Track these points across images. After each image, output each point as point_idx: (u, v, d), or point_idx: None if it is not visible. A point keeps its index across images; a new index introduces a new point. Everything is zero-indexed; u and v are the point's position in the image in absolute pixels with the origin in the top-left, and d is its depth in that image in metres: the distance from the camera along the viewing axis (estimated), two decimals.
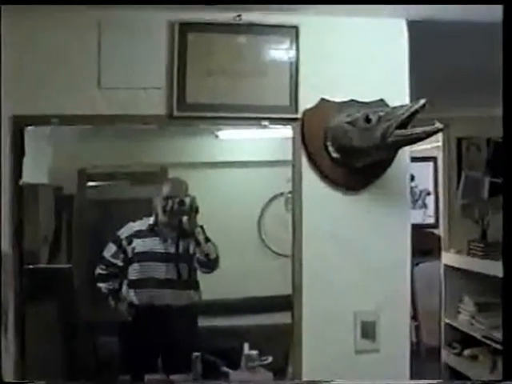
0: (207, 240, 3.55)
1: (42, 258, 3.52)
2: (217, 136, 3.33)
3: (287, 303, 2.90)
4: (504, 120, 2.32)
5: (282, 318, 3.03)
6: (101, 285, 3.54)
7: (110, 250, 3.53)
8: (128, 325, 3.60)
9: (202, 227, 3.53)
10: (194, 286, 3.64)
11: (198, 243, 3.55)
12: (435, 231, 6.64)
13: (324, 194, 2.84)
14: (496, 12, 2.55)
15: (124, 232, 3.56)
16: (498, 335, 5.01)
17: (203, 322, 3.68)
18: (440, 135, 5.67)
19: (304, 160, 2.83)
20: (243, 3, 2.63)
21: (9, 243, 2.77)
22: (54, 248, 3.58)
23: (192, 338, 3.59)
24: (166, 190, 3.59)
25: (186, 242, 3.58)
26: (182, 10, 2.70)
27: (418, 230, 5.47)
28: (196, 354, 3.19)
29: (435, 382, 4.39)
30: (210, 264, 3.58)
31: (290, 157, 2.87)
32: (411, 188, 2.96)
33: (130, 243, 3.56)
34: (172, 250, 3.58)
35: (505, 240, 2.27)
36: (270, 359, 3.09)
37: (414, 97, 2.75)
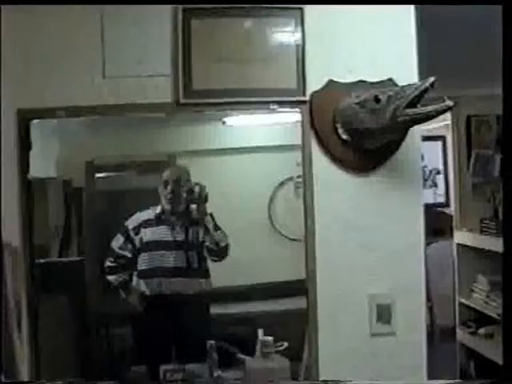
0: (217, 228, 3.53)
1: (53, 251, 3.52)
2: (224, 122, 3.31)
3: (301, 288, 2.87)
4: (504, 120, 2.29)
5: (295, 304, 3.02)
6: (110, 277, 3.54)
7: (117, 241, 3.52)
8: (140, 315, 3.60)
9: (211, 215, 3.52)
10: (204, 274, 3.63)
11: (207, 231, 3.54)
12: (446, 210, 6.62)
13: (335, 177, 2.82)
14: None
15: (131, 222, 3.55)
16: None
17: (216, 310, 3.67)
18: (449, 114, 5.63)
19: (314, 143, 2.80)
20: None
21: (19, 238, 2.74)
22: (65, 241, 3.57)
23: (205, 326, 3.59)
24: (167, 177, 3.58)
25: (195, 230, 3.57)
26: None
27: (429, 210, 5.45)
28: (210, 342, 3.18)
29: (452, 381, 4.39)
30: (220, 252, 3.57)
31: (299, 141, 2.83)
32: (422, 167, 2.92)
33: (137, 233, 3.55)
34: (181, 238, 3.57)
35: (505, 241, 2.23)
36: (285, 345, 3.08)
37: (423, 76, 2.71)
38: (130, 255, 3.52)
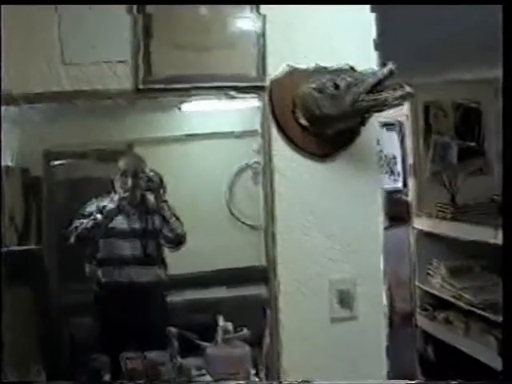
0: (173, 216, 3.54)
1: (10, 240, 3.49)
2: (180, 109, 3.29)
3: (261, 275, 2.87)
4: (504, 118, 2.31)
5: (256, 290, 3.02)
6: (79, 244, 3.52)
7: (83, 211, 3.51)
8: (99, 304, 3.59)
9: (166, 203, 3.52)
10: (161, 262, 3.63)
11: (163, 219, 3.55)
12: (403, 196, 6.67)
13: (294, 163, 2.81)
14: None
15: (86, 208, 3.53)
16: (469, 297, 5.07)
17: (176, 297, 3.68)
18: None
19: (273, 130, 2.79)
20: None
21: None
22: (24, 230, 3.54)
23: (163, 314, 3.59)
24: (123, 166, 3.57)
25: (151, 218, 3.58)
26: None
27: (387, 196, 5.50)
28: (170, 329, 3.19)
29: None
30: (177, 240, 3.59)
31: (258, 127, 2.82)
32: (378, 152, 2.94)
33: (95, 219, 3.53)
34: (137, 226, 3.58)
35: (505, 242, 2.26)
36: (245, 330, 3.09)
37: (381, 63, 2.73)
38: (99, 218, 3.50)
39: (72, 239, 3.49)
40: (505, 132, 2.33)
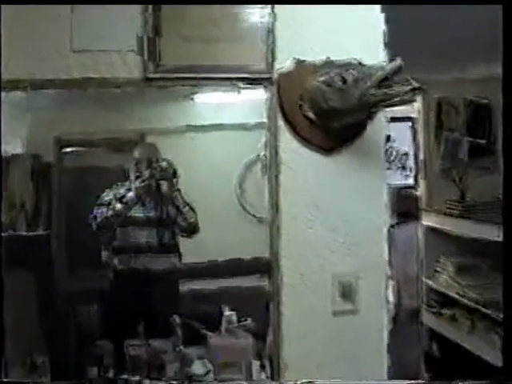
0: (186, 204, 3.56)
1: (20, 226, 3.52)
2: (193, 99, 3.31)
3: (266, 267, 2.88)
4: (504, 118, 2.31)
5: (260, 281, 3.04)
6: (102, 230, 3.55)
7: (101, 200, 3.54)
8: (109, 291, 3.61)
9: (179, 192, 3.54)
10: (174, 250, 3.66)
11: (177, 207, 3.57)
12: (414, 192, 6.66)
13: (301, 156, 2.82)
14: None
15: (104, 197, 3.56)
16: (475, 295, 5.07)
17: (183, 287, 3.70)
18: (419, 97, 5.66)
19: (280, 122, 2.80)
20: None
21: None
22: (33, 216, 3.57)
23: (173, 303, 3.62)
24: (138, 155, 3.59)
25: (165, 206, 3.60)
26: None
27: (397, 191, 5.50)
28: (176, 318, 3.21)
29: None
30: (190, 228, 3.61)
31: (264, 121, 2.83)
32: (389, 148, 2.94)
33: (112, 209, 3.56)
34: (151, 214, 3.60)
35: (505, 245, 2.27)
36: (248, 320, 3.11)
37: (391, 58, 2.73)
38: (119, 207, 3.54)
39: (93, 227, 3.53)
40: (505, 130, 2.33)
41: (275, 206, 2.80)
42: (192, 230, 3.64)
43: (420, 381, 4.50)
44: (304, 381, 2.69)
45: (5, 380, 2.67)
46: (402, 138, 6.83)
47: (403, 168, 7.01)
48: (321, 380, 2.73)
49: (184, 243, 3.67)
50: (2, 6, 2.47)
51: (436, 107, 5.95)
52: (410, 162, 7.01)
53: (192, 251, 3.66)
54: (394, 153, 6.77)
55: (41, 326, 3.43)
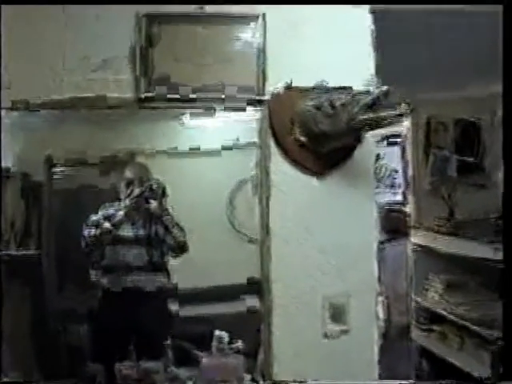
0: (175, 224, 3.57)
1: (10, 244, 3.52)
2: (183, 122, 3.33)
3: (258, 288, 2.90)
4: (504, 122, 2.33)
5: (251, 304, 3.04)
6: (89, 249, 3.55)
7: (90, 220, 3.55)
8: (98, 310, 3.61)
9: (168, 211, 3.56)
10: (163, 269, 3.66)
11: (165, 227, 3.58)
12: (403, 210, 6.68)
13: (292, 178, 2.84)
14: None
15: (93, 217, 3.57)
16: (465, 313, 5.08)
17: (175, 308, 3.70)
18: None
19: (271, 144, 2.82)
20: None
21: None
22: (24, 235, 3.57)
23: (163, 324, 3.61)
24: (128, 174, 3.60)
25: (154, 225, 3.61)
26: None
27: (386, 209, 5.53)
28: (168, 340, 3.21)
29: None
30: (179, 247, 3.62)
31: (254, 143, 2.87)
32: (378, 167, 2.97)
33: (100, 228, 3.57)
34: (140, 233, 3.61)
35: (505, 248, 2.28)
36: (239, 343, 3.11)
37: (382, 80, 2.76)
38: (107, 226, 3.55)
39: (82, 246, 3.54)
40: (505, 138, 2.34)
41: (266, 228, 2.82)
42: (181, 249, 3.65)
43: (411, 381, 4.51)
44: (297, 380, 2.73)
45: (5, 380, 2.67)
46: (391, 155, 6.86)
47: (392, 186, 7.04)
48: (313, 380, 2.76)
49: (175, 266, 3.68)
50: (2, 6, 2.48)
51: (425, 125, 5.98)
52: (399, 180, 7.04)
53: (183, 273, 3.67)
54: (384, 170, 6.80)
55: (32, 345, 3.43)
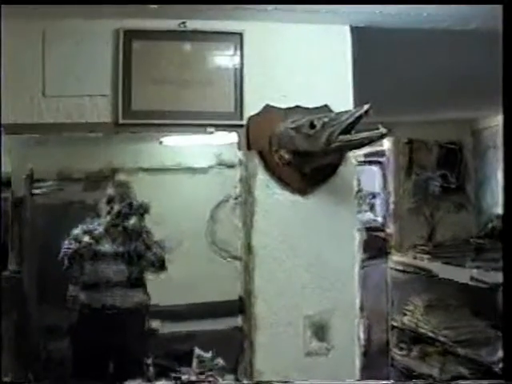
0: (154, 241, 3.59)
1: None
2: (161, 142, 3.35)
3: (239, 307, 2.90)
4: (504, 128, 2.35)
5: (233, 322, 3.04)
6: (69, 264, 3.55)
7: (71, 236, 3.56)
8: (77, 326, 3.61)
9: (147, 228, 3.58)
10: (142, 285, 3.68)
11: (145, 244, 3.60)
12: (382, 233, 6.71)
13: (273, 198, 2.84)
14: (441, 17, 2.64)
15: (73, 232, 3.59)
16: (444, 333, 5.11)
17: (155, 326, 3.70)
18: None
19: (251, 164, 2.83)
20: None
21: None
22: (3, 251, 3.57)
23: (142, 341, 3.62)
24: (109, 192, 3.63)
25: (134, 242, 3.63)
26: (127, 18, 2.68)
27: (366, 233, 5.55)
28: (148, 358, 3.21)
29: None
30: (158, 263, 3.64)
31: (236, 162, 2.87)
32: (358, 191, 2.99)
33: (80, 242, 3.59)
34: (120, 249, 3.63)
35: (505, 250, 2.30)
36: (221, 361, 3.12)
37: (359, 102, 2.76)
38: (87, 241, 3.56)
39: (61, 261, 3.55)
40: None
41: (249, 246, 2.82)
42: (160, 265, 3.67)
43: (392, 381, 4.53)
44: (280, 380, 2.73)
45: (5, 380, 2.67)
46: (372, 177, 6.91)
47: (371, 208, 7.09)
48: (298, 380, 2.76)
49: (156, 284, 3.69)
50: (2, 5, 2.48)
51: (407, 146, 6.04)
52: (379, 201, 7.08)
53: (164, 292, 3.68)
54: (363, 194, 6.83)
55: (13, 362, 3.43)
